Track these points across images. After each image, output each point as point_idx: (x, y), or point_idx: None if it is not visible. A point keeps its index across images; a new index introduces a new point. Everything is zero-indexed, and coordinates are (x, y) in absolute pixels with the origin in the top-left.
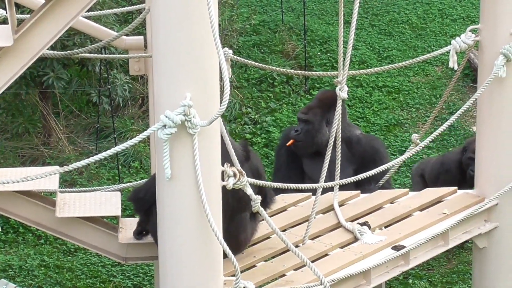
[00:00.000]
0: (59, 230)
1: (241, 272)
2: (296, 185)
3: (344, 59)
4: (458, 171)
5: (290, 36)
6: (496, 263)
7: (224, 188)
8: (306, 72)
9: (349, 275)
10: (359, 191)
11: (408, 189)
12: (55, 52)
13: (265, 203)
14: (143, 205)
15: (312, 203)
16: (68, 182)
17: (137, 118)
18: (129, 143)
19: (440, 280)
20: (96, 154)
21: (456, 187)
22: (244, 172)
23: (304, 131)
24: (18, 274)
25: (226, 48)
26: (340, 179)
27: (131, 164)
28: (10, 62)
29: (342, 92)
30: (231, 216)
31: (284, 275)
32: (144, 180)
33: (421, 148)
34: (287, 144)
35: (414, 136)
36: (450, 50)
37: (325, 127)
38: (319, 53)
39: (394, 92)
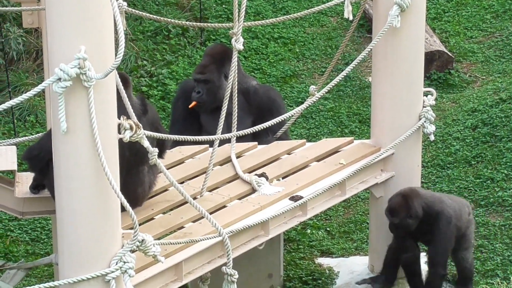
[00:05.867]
0: None
1: (140, 225)
2: (194, 137)
3: (239, 10)
4: None
5: None
6: None
7: (121, 141)
8: (202, 24)
9: (247, 226)
10: (256, 143)
11: (305, 140)
12: None
13: (163, 156)
14: (38, 163)
15: (210, 155)
16: None
17: (32, 72)
18: (24, 96)
19: (338, 229)
20: None
21: (352, 138)
22: (140, 125)
23: (205, 92)
24: None
25: (120, 0)
26: (237, 131)
27: (27, 118)
28: None
29: (238, 44)
30: (128, 169)
31: (182, 227)
32: (39, 134)
33: (318, 99)
34: (190, 106)
35: (312, 88)
36: (345, 0)
37: (224, 82)
38: (214, 5)
39: (290, 43)
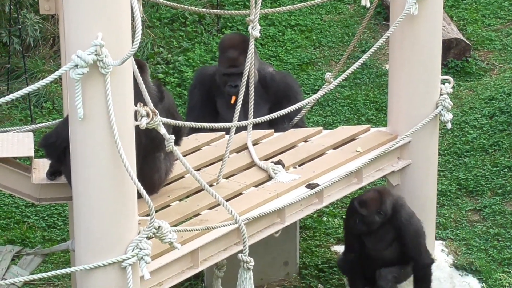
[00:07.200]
0: None
1: (156, 211)
2: (210, 124)
3: None
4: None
5: None
6: (408, 200)
7: (137, 128)
8: (219, 11)
9: (263, 214)
10: (273, 130)
11: (321, 128)
12: None
13: (179, 143)
14: (54, 150)
15: (226, 142)
16: None
17: (49, 58)
18: (41, 83)
19: None
20: (8, 94)
21: (369, 125)
22: (157, 111)
23: (241, 84)
24: None
25: None
26: (254, 118)
27: (44, 104)
28: None
29: (255, 31)
30: (144, 156)
31: (198, 214)
32: (56, 121)
33: (334, 86)
34: (232, 102)
35: (328, 75)
36: None
37: (255, 70)
38: None
39: (306, 31)
